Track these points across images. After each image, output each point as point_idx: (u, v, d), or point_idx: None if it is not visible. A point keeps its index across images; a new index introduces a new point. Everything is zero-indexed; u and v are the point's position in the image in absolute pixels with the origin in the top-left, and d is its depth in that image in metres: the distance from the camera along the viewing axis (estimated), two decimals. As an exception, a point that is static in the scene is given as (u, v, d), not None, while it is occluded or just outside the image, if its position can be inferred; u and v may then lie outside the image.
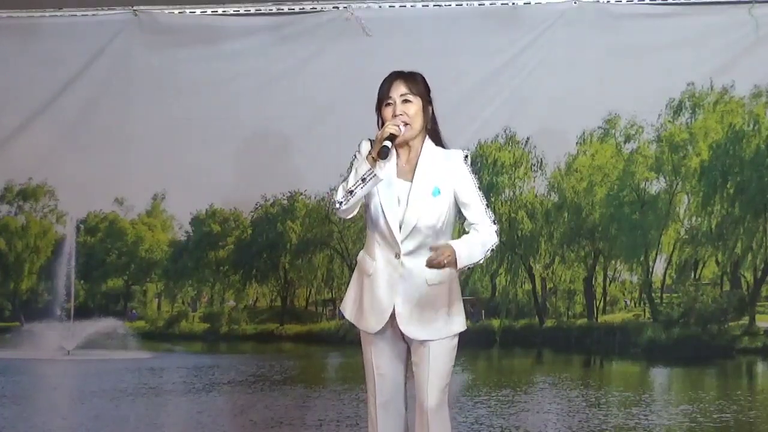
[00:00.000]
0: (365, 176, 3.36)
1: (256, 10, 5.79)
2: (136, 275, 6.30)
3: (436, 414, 3.50)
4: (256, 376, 6.00)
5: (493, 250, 3.48)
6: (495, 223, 3.50)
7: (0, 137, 5.94)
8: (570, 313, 5.90)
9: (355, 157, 3.50)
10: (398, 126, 3.42)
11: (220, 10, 5.82)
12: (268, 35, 5.79)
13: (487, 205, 3.52)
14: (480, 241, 3.44)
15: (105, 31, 5.87)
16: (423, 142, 3.55)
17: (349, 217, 3.49)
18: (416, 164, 3.51)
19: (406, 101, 3.49)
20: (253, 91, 5.81)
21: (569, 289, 5.90)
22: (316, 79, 5.74)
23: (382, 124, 3.53)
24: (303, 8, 5.76)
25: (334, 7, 5.72)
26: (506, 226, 5.88)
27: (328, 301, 6.16)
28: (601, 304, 5.88)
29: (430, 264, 3.33)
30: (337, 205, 3.42)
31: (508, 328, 5.87)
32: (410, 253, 3.47)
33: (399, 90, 3.50)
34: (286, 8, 5.77)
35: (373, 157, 3.37)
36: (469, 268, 3.47)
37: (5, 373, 5.99)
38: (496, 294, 5.94)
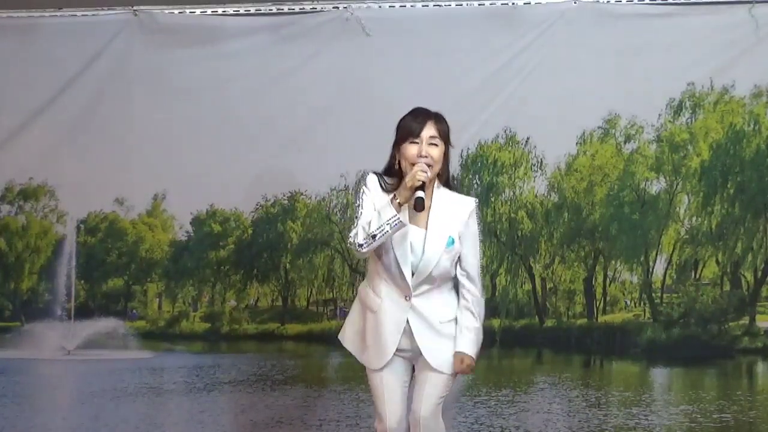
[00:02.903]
0: (391, 222, 3.35)
1: (256, 10, 5.78)
2: (137, 275, 6.30)
3: (429, 422, 3.51)
4: (257, 375, 6.00)
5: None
6: (483, 289, 3.56)
7: (0, 137, 5.95)
8: (570, 313, 5.90)
9: (363, 192, 3.49)
10: (426, 173, 3.38)
11: (220, 10, 5.81)
12: (267, 35, 5.79)
13: (479, 264, 3.57)
14: (479, 323, 3.54)
15: (105, 31, 5.86)
16: (433, 185, 3.53)
17: (366, 257, 3.53)
18: (429, 213, 3.50)
19: (432, 144, 3.46)
20: (253, 91, 5.80)
21: (569, 289, 5.90)
22: (315, 80, 5.74)
23: (394, 158, 3.52)
24: (303, 8, 5.76)
25: (334, 7, 5.72)
26: (506, 226, 5.88)
27: (329, 301, 6.17)
28: (601, 304, 5.88)
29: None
30: (358, 248, 3.41)
31: (508, 328, 5.87)
32: (420, 296, 3.50)
33: (429, 131, 3.47)
34: (285, 8, 5.77)
35: (399, 203, 3.35)
36: None
37: (5, 373, 5.99)
38: (496, 294, 5.94)
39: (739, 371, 5.69)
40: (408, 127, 3.48)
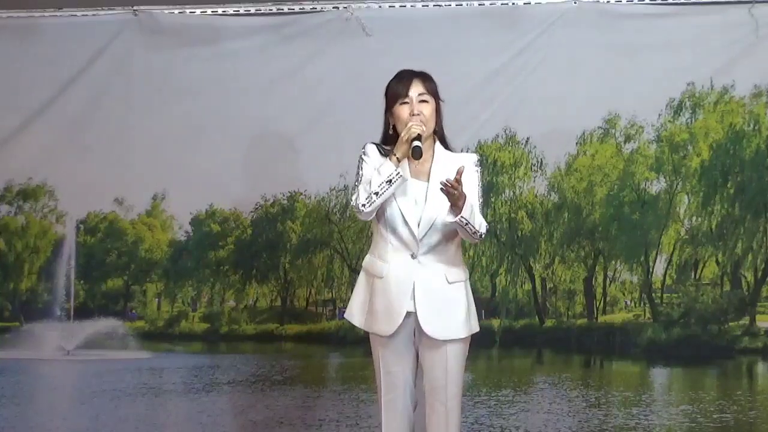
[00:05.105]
0: (391, 177, 3.34)
1: (256, 10, 5.78)
2: (136, 275, 6.30)
3: (455, 413, 3.49)
4: (256, 376, 6.00)
5: (479, 236, 3.42)
6: (486, 223, 3.48)
7: (0, 137, 5.95)
8: (570, 313, 5.90)
9: (362, 159, 3.46)
10: (421, 126, 3.39)
11: (220, 10, 5.82)
12: (268, 35, 5.79)
13: (482, 208, 3.50)
14: (480, 219, 3.42)
15: (105, 31, 5.86)
16: (434, 144, 3.53)
17: (369, 219, 3.47)
18: (430, 166, 3.48)
19: (422, 101, 3.45)
20: (253, 91, 5.81)
21: (569, 289, 5.90)
22: (316, 79, 5.74)
23: (387, 125, 3.52)
24: (303, 8, 5.76)
25: (334, 7, 5.72)
26: (506, 226, 5.89)
27: (328, 301, 6.17)
28: (601, 304, 5.88)
29: (444, 184, 3.26)
30: (361, 208, 3.38)
31: (508, 328, 5.87)
32: (427, 252, 3.45)
33: (417, 89, 3.45)
34: (286, 8, 5.77)
35: (397, 158, 3.36)
36: (462, 223, 3.34)
37: (5, 373, 5.99)
38: (496, 294, 5.94)
39: (739, 371, 5.69)
40: (395, 90, 3.47)
